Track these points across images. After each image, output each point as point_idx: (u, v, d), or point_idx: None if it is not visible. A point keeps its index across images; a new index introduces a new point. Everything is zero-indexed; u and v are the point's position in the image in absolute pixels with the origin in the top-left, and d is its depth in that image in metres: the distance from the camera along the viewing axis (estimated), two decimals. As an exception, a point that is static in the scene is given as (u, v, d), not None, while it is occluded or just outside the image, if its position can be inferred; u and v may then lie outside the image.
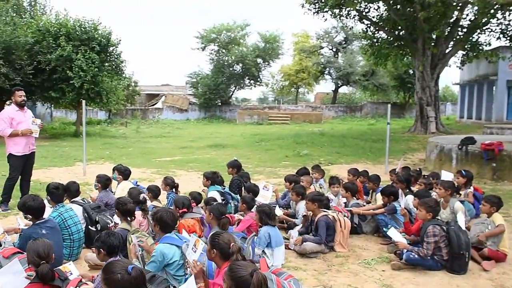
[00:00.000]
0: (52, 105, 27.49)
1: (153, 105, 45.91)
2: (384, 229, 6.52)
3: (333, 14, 26.03)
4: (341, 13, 25.97)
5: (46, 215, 5.42)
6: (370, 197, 8.20)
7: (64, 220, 5.72)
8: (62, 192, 6.00)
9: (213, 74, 43.55)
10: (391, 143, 13.94)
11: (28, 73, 22.24)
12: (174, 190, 7.85)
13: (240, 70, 44.35)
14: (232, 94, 47.74)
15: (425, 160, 14.98)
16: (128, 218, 5.69)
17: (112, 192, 7.80)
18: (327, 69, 48.04)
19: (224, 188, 8.07)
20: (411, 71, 34.49)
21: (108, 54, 24.51)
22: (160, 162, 15.70)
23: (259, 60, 44.61)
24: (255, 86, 46.61)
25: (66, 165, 14.46)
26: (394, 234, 5.83)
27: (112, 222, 6.40)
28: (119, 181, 8.09)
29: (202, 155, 17.67)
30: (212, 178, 7.88)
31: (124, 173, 8.16)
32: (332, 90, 50.94)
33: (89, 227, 6.32)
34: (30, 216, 5.23)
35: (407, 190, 7.39)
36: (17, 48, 21.49)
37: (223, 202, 7.83)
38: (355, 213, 6.95)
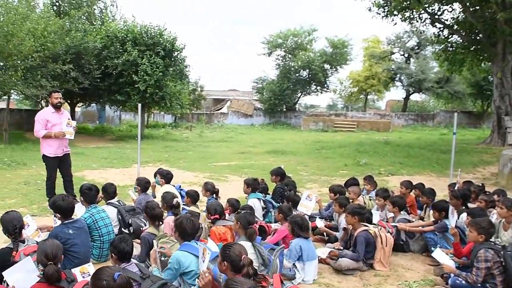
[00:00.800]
0: (120, 108, 28.40)
1: (218, 109, 46.49)
2: (432, 248, 5.89)
3: (402, 18, 24.91)
4: (412, 16, 24.79)
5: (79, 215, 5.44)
6: (423, 212, 7.53)
7: (95, 221, 5.72)
8: (95, 193, 5.97)
9: (279, 79, 43.36)
10: (462, 155, 13.01)
11: (96, 77, 23.15)
12: (214, 195, 7.63)
13: (307, 76, 43.79)
14: (297, 100, 47.22)
15: (497, 175, 13.79)
16: (156, 223, 5.55)
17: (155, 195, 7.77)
18: (398, 75, 46.29)
19: (266, 196, 7.75)
20: (490, 78, 32.31)
21: (172, 59, 24.93)
22: (216, 166, 15.61)
23: (326, 66, 43.83)
24: (321, 92, 45.87)
25: (123, 167, 14.76)
26: (440, 255, 5.23)
27: (145, 225, 6.28)
28: (161, 184, 8.01)
29: (259, 161, 17.42)
30: (253, 185, 7.57)
31: (166, 176, 8.07)
32: (403, 98, 49.02)
33: (122, 229, 6.27)
34: (59, 215, 5.22)
35: (463, 207, 6.66)
36: (86, 53, 22.43)
37: (264, 210, 7.56)
38: (401, 229, 6.36)
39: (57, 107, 8.33)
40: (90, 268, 4.31)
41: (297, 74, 43.36)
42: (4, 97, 20.30)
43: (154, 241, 5.39)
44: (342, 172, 14.64)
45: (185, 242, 4.70)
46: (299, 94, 45.83)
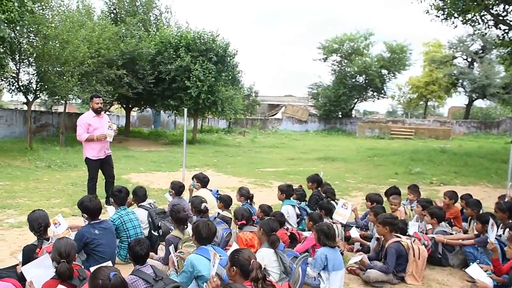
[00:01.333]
0: (175, 113, 29.01)
1: (272, 115, 46.49)
2: (471, 263, 5.49)
3: (463, 20, 23.76)
4: (473, 18, 23.60)
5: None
6: (468, 225, 7.07)
7: (123, 223, 5.78)
8: (124, 196, 6.03)
9: (334, 85, 42.75)
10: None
11: (150, 82, 23.76)
12: (248, 201, 7.54)
13: (363, 82, 42.89)
14: (353, 106, 46.35)
15: None
16: (181, 226, 5.54)
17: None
18: (460, 81, 44.29)
19: (300, 203, 7.57)
20: None
21: (225, 65, 25.17)
22: (263, 172, 15.55)
23: (384, 71, 42.74)
24: (378, 99, 44.71)
25: (170, 170, 15.01)
26: (476, 271, 4.87)
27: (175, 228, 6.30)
28: (198, 188, 8.01)
29: (308, 167, 17.16)
30: (287, 192, 7.40)
31: (203, 180, 8.07)
32: (465, 104, 46.87)
33: (152, 231, 6.32)
34: (86, 216, 5.32)
35: (510, 221, 6.18)
36: (141, 59, 23.08)
37: (298, 218, 7.39)
38: (438, 241, 5.99)
39: (98, 112, 8.55)
40: (60, 218, 4.90)
41: (353, 80, 42.57)
42: (62, 101, 21.20)
43: (179, 245, 5.40)
44: (391, 180, 14.12)
45: (201, 246, 4.67)
46: (355, 100, 44.96)
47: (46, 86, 17.42)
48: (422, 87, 46.73)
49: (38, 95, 18.37)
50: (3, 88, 13.69)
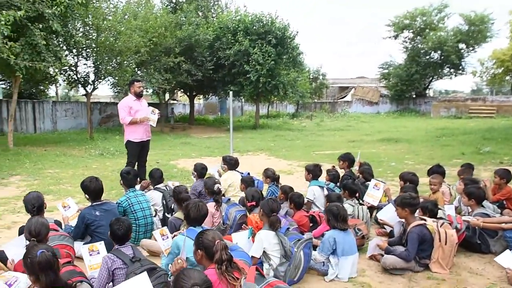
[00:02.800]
0: (241, 99, 28.93)
1: (342, 98, 45.16)
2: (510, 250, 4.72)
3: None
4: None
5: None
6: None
7: (131, 205, 5.63)
8: (133, 177, 5.85)
9: (406, 63, 40.42)
10: None
11: (209, 69, 23.76)
12: (275, 182, 7.14)
13: (438, 58, 40.13)
14: (428, 85, 43.62)
15: None
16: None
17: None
18: (554, 52, 40.07)
19: (329, 184, 7.03)
20: None
21: (285, 47, 24.60)
22: (318, 155, 14.98)
23: (461, 46, 39.67)
24: (455, 75, 41.60)
25: (220, 155, 14.79)
26: (507, 259, 4.14)
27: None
28: (225, 170, 7.73)
29: (368, 149, 16.33)
30: (314, 172, 6.88)
31: (230, 162, 7.77)
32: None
33: (166, 214, 6.14)
34: (88, 196, 5.25)
35: None
36: (199, 46, 23.11)
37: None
38: (473, 225, 5.24)
39: (139, 95, 8.52)
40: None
41: (427, 57, 39.90)
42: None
43: (181, 226, 5.15)
44: (455, 161, 12.99)
45: (190, 227, 4.38)
46: (430, 79, 42.29)
47: (103, 77, 17.89)
48: (508, 61, 42.94)
49: (96, 87, 18.93)
50: (59, 80, 14.17)
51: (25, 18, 12.19)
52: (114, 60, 18.08)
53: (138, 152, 8.59)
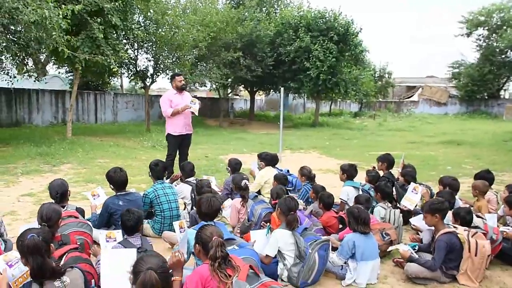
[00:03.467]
0: (304, 96, 28.65)
1: (408, 97, 43.54)
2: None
3: None
4: None
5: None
6: None
7: (157, 197, 5.71)
8: (160, 169, 5.93)
9: (479, 63, 38.15)
10: None
11: (269, 65, 23.72)
12: (309, 181, 6.99)
13: (515, 57, 37.53)
14: (502, 86, 40.85)
15: None
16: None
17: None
18: None
19: (364, 185, 6.78)
20: None
21: (347, 44, 24.08)
22: (371, 155, 14.53)
23: (544, 43, 36.79)
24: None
25: (271, 152, 14.72)
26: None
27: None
28: (262, 167, 7.67)
29: (426, 151, 15.69)
30: (349, 172, 6.66)
31: (266, 159, 7.69)
32: None
33: (194, 207, 6.15)
34: (112, 187, 5.38)
35: None
36: (260, 42, 23.12)
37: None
38: (506, 236, 4.84)
39: (181, 89, 8.64)
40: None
41: (503, 56, 37.44)
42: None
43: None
44: (521, 167, 12.20)
45: (201, 222, 4.35)
46: (504, 79, 39.66)
47: (161, 71, 18.34)
48: None
49: (155, 80, 19.46)
50: (118, 72, 14.71)
51: (85, 12, 12.73)
52: (173, 54, 18.45)
53: (177, 145, 8.72)
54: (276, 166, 8.16)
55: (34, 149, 12.11)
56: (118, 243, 4.07)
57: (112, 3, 13.33)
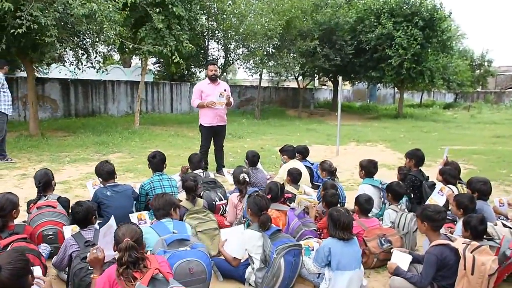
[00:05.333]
0: (387, 86, 27.23)
1: (510, 88, 39.58)
2: None
3: None
4: None
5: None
6: None
7: (153, 189, 5.59)
8: (158, 161, 5.73)
9: None
10: None
11: (349, 53, 22.71)
12: (330, 176, 6.43)
13: None
14: None
15: None
16: (190, 196, 5.01)
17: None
18: None
19: (385, 184, 6.06)
20: None
21: (434, 30, 22.26)
22: (443, 150, 13.30)
23: None
24: None
25: (333, 144, 13.95)
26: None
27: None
28: (285, 161, 7.21)
29: (509, 147, 14.07)
30: (367, 169, 6.02)
31: (287, 151, 7.23)
32: None
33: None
34: (100, 179, 5.35)
35: None
36: (339, 29, 22.17)
37: (382, 200, 5.96)
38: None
39: (212, 79, 8.43)
40: (147, 216, 4.78)
41: None
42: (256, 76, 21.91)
43: (184, 216, 4.88)
44: None
45: (160, 220, 4.10)
46: None
47: (232, 61, 18.27)
48: None
49: (226, 70, 19.42)
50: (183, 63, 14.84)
51: (145, 4, 12.96)
52: (243, 43, 18.28)
53: (210, 136, 8.51)
54: (307, 158, 7.73)
55: (92, 138, 12.62)
56: (71, 236, 3.97)
57: None
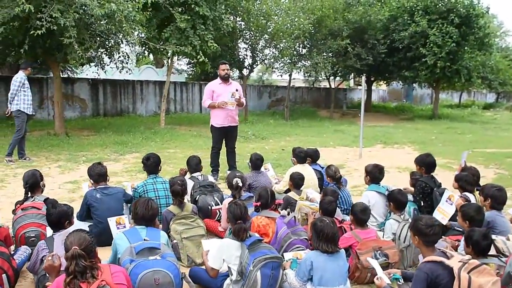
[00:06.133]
0: (422, 86, 26.41)
1: None
2: None
3: None
4: None
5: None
6: None
7: (146, 192, 5.52)
8: (152, 163, 5.60)
9: None
10: None
11: (381, 52, 22.10)
12: (336, 182, 6.12)
13: None
14: None
15: None
16: (177, 201, 4.86)
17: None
18: None
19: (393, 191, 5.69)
20: None
21: (470, 27, 21.33)
22: (474, 153, 12.65)
23: None
24: None
25: (357, 146, 13.51)
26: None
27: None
28: (294, 164, 6.92)
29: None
30: (372, 174, 5.67)
31: (298, 155, 6.90)
32: None
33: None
34: (92, 180, 5.28)
35: None
36: (371, 27, 21.58)
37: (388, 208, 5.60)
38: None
39: (224, 79, 8.27)
40: (126, 220, 4.57)
41: None
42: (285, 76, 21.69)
43: (171, 221, 4.72)
44: None
45: (135, 226, 3.94)
46: None
47: (260, 61, 18.08)
48: None
49: (253, 70, 19.24)
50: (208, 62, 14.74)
51: (168, 4, 12.94)
52: (271, 43, 18.05)
53: (221, 137, 8.34)
54: (317, 162, 7.42)
55: (113, 138, 12.69)
56: (43, 240, 3.89)
57: None
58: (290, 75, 21.03)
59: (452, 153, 12.53)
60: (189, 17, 13.92)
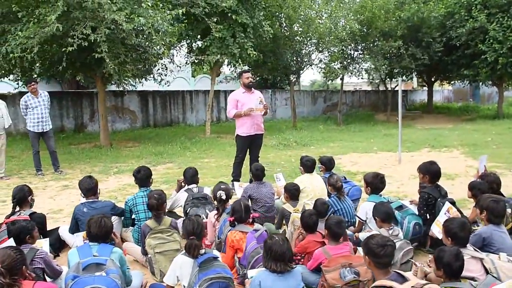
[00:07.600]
0: (482, 84, 24.81)
1: None
2: None
3: None
4: None
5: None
6: None
7: (135, 205, 5.52)
8: (143, 176, 5.58)
9: None
10: None
11: (437, 51, 21.02)
12: (337, 192, 5.81)
13: None
14: None
15: None
16: (153, 215, 4.81)
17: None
18: None
19: (393, 202, 5.30)
20: None
21: (535, 19, 19.69)
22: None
23: None
24: None
25: (403, 151, 12.76)
26: None
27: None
28: (302, 173, 6.68)
29: None
30: (372, 184, 5.33)
31: (305, 164, 6.63)
32: None
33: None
34: (82, 194, 5.37)
35: None
36: (425, 25, 20.57)
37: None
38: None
39: (248, 87, 8.21)
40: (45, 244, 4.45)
41: None
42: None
43: (147, 236, 4.68)
44: None
45: (85, 242, 3.97)
46: None
47: (304, 67, 17.83)
48: None
49: (300, 75, 19.01)
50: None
51: (204, 15, 13.11)
52: (317, 47, 17.75)
53: (246, 146, 8.30)
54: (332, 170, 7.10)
55: (150, 149, 12.95)
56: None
57: (231, 1, 13.41)
58: (341, 79, 20.57)
59: (504, 156, 11.63)
60: (228, 26, 14.02)
